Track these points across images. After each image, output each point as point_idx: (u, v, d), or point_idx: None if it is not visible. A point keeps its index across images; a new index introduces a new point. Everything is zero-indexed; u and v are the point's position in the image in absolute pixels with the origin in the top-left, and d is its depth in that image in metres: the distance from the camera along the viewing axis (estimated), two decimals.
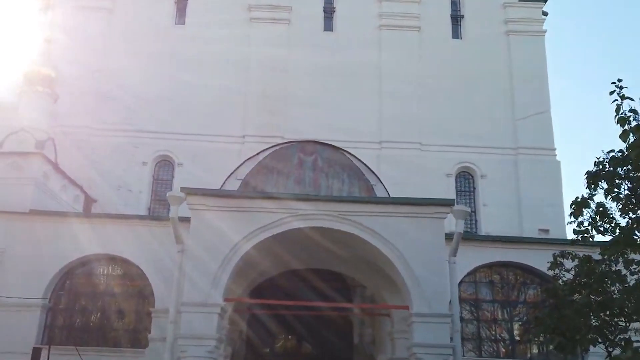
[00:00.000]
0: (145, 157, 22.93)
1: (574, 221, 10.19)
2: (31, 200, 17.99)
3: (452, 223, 14.52)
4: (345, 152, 19.00)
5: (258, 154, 18.47)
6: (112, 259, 17.26)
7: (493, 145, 23.95)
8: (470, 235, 20.44)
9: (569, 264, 11.44)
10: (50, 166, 19.45)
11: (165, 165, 23.32)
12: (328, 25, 25.28)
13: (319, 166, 18.47)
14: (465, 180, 24.07)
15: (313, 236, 13.95)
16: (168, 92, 23.63)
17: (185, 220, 14.07)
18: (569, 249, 11.60)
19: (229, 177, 18.14)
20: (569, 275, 11.20)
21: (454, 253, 14.35)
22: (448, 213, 13.68)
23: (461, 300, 16.08)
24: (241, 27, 24.60)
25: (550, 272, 11.75)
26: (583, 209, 9.98)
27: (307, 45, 24.57)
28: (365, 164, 19.03)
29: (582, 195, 9.97)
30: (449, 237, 14.31)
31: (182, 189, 13.58)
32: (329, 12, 25.47)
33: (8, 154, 18.91)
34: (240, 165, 18.49)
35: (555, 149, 24.17)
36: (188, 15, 24.92)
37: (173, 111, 23.44)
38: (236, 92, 23.76)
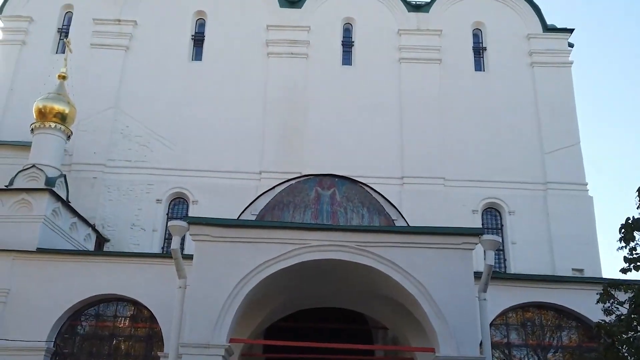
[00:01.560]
0: (160, 195, 22.33)
1: (625, 247, 9.02)
2: (39, 238, 17.40)
3: (480, 259, 13.44)
4: (364, 186, 18.17)
5: (274, 187, 17.73)
6: (122, 300, 16.47)
7: (521, 180, 22.92)
8: (500, 275, 19.25)
9: (621, 296, 10.16)
10: (59, 204, 18.89)
11: (180, 203, 22.67)
12: (347, 59, 24.82)
13: (337, 200, 17.65)
14: (492, 216, 22.97)
15: (329, 270, 12.93)
16: (184, 129, 23.22)
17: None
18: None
19: (243, 211, 17.38)
20: (622, 309, 9.90)
21: (484, 288, 13.15)
22: (476, 244, 12.56)
23: (492, 344, 14.77)
24: (259, 62, 24.25)
25: (600, 306, 10.44)
26: (635, 233, 8.80)
27: (325, 80, 24.09)
28: (385, 198, 18.14)
29: (633, 216, 8.83)
30: (477, 275, 13.18)
31: (185, 218, 12.75)
32: (347, 46, 25.05)
33: (17, 191, 18.49)
34: (256, 199, 17.75)
35: (586, 184, 23.05)
36: (205, 51, 24.66)
37: (189, 147, 22.97)
38: (253, 128, 23.26)
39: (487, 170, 22.91)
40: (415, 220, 19.28)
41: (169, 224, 12.87)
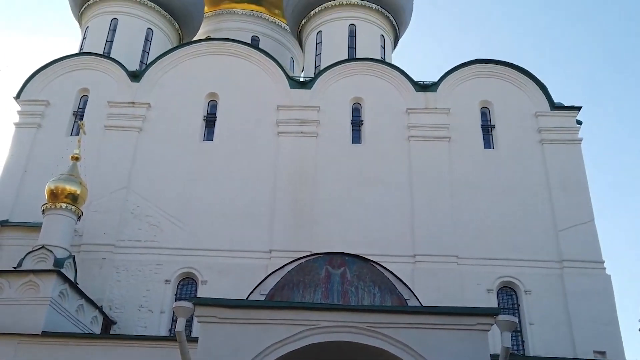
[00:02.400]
0: (169, 275, 22.04)
1: None
2: (44, 321, 17.15)
3: (497, 340, 12.92)
4: (376, 265, 17.78)
5: (283, 266, 17.36)
6: None
7: (536, 258, 22.48)
8: (518, 357, 18.48)
9: None
10: (67, 285, 18.70)
11: (189, 284, 22.32)
12: (356, 137, 25.04)
13: (347, 279, 17.22)
14: (508, 296, 22.37)
15: (338, 352, 12.42)
16: (195, 208, 23.23)
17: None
18: None
19: (252, 291, 16.93)
20: None
21: None
22: (492, 324, 12.09)
23: None
24: (269, 141, 24.55)
25: None
26: None
27: (335, 158, 24.25)
28: (397, 277, 17.69)
29: None
30: (494, 358, 12.60)
31: (191, 299, 12.43)
32: (357, 124, 25.35)
33: (25, 273, 18.42)
34: (265, 279, 17.34)
35: (603, 262, 22.53)
36: (216, 131, 25.05)
37: (199, 227, 22.88)
38: (263, 206, 23.24)
39: (501, 248, 22.54)
40: (428, 300, 18.77)
41: (174, 305, 12.55)
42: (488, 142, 25.07)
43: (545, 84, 25.82)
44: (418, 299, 17.45)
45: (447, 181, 23.80)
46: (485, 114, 25.71)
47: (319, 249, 20.39)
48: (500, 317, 12.15)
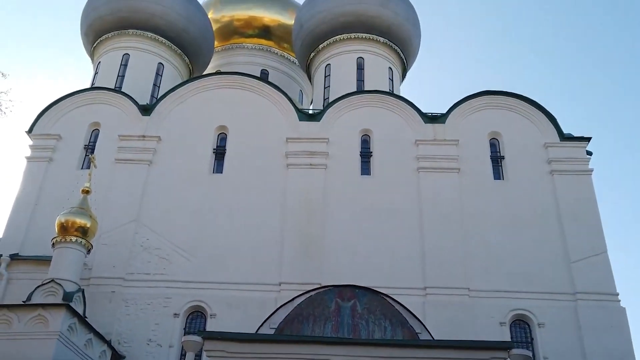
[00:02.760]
0: (177, 309, 21.89)
1: None
2: (53, 356, 17.04)
3: None
4: (386, 297, 17.68)
5: (293, 299, 17.34)
6: None
7: (549, 290, 22.21)
8: None
9: None
10: (76, 319, 18.60)
11: (197, 317, 22.12)
12: (365, 169, 25.05)
13: (358, 312, 17.15)
14: (521, 329, 22.01)
15: None
16: (204, 240, 23.21)
17: None
18: None
19: (261, 325, 16.89)
20: None
21: None
22: (505, 359, 11.88)
23: None
24: (278, 173, 24.60)
25: None
26: None
27: (344, 190, 24.24)
28: (408, 310, 17.57)
29: None
30: None
31: (199, 333, 12.31)
32: (366, 156, 25.38)
33: (34, 307, 18.36)
34: (275, 312, 17.30)
35: (617, 294, 22.22)
36: (226, 164, 25.14)
37: (208, 259, 22.82)
38: (273, 239, 23.17)
39: (514, 280, 22.29)
40: (440, 333, 18.58)
41: (183, 339, 12.47)
42: (498, 173, 25.01)
43: (554, 114, 25.84)
44: (430, 333, 17.27)
45: (457, 212, 23.67)
46: (494, 145, 25.70)
47: (329, 282, 20.33)
48: (514, 351, 11.98)
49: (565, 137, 25.33)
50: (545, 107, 26.00)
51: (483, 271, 22.53)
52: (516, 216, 23.68)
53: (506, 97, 26.42)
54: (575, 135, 25.44)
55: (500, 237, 23.22)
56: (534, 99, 26.24)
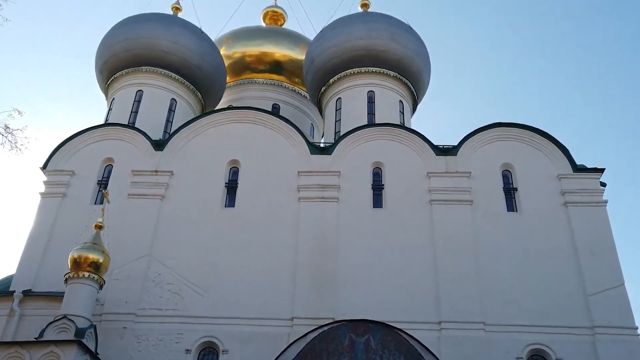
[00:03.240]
0: (189, 345, 21.67)
1: None
2: None
3: None
4: (400, 332, 17.46)
5: (306, 334, 17.17)
6: None
7: (566, 325, 21.81)
8: None
9: None
10: (88, 356, 18.58)
11: (209, 353, 21.86)
12: (377, 202, 24.94)
13: (372, 348, 16.97)
14: None
15: None
16: (216, 275, 23.11)
17: None
18: None
19: None
20: None
21: None
22: None
23: None
24: (290, 206, 24.57)
25: None
26: None
27: (357, 223, 24.13)
28: (423, 345, 17.33)
29: None
30: None
31: None
32: (377, 189, 25.30)
33: (46, 344, 18.41)
34: (287, 347, 17.15)
35: (637, 328, 21.78)
36: (238, 197, 25.16)
37: (220, 294, 22.69)
38: (285, 273, 23.02)
39: (530, 314, 21.93)
40: None
41: None
42: (511, 205, 24.83)
43: (566, 146, 25.76)
44: None
45: (471, 245, 23.47)
46: (507, 176, 25.58)
47: (342, 316, 20.16)
48: None
49: (578, 169, 25.20)
50: (557, 139, 25.93)
51: (499, 305, 22.20)
52: (531, 248, 23.43)
53: (518, 129, 26.38)
54: (588, 167, 25.31)
55: (515, 270, 22.94)
56: (545, 131, 26.20)
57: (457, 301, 22.17)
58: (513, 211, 24.64)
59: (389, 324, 17.79)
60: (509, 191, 25.19)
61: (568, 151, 25.61)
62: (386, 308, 21.70)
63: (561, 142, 25.84)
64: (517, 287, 22.55)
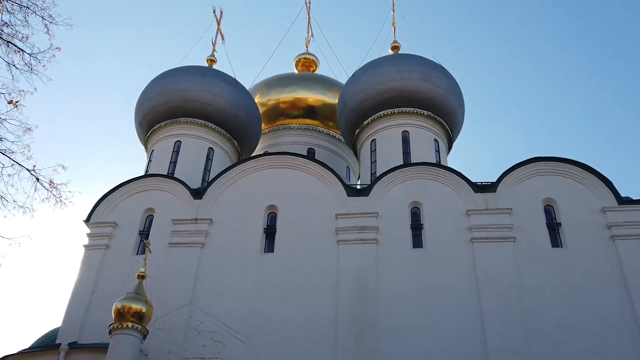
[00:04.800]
0: None
1: None
2: None
3: None
4: None
5: None
6: None
7: None
8: None
9: None
10: None
11: None
12: (417, 242, 24.63)
13: None
14: None
15: None
16: (257, 322, 22.94)
17: None
18: None
19: None
20: None
21: None
22: None
23: None
24: (329, 250, 24.43)
25: None
26: None
27: (396, 264, 23.81)
28: None
29: None
30: None
31: None
32: (417, 229, 25.02)
33: None
34: None
35: None
36: (277, 243, 25.18)
37: (262, 341, 22.46)
38: (326, 318, 22.73)
39: (581, 354, 21.06)
40: None
41: None
42: (555, 241, 24.20)
43: (609, 178, 25.17)
44: None
45: (516, 283, 22.83)
46: (549, 212, 25.01)
47: None
48: None
49: (623, 201, 24.52)
50: (599, 171, 25.37)
51: (547, 345, 21.41)
52: (578, 285, 22.69)
53: (557, 163, 25.94)
54: (633, 198, 24.61)
55: (563, 308, 22.18)
56: (586, 164, 25.69)
57: (504, 344, 21.44)
58: (558, 247, 24.00)
59: None
60: (553, 226, 24.61)
61: (611, 183, 25.00)
62: (430, 354, 21.22)
63: (603, 174, 25.26)
64: (566, 325, 21.77)
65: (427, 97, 31.39)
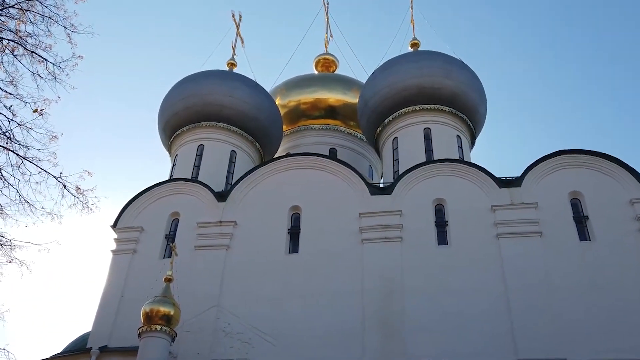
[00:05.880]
0: None
1: None
2: None
3: None
4: None
5: None
6: None
7: None
8: None
9: None
10: None
11: None
12: (442, 239, 24.49)
13: None
14: None
15: None
16: (284, 322, 23.02)
17: None
18: None
19: None
20: None
21: None
22: None
23: None
24: (353, 249, 24.41)
25: None
26: None
27: (422, 262, 23.69)
28: None
29: None
30: None
31: None
32: (441, 226, 24.88)
33: None
34: None
35: None
36: (301, 243, 25.25)
37: (290, 342, 22.50)
38: (353, 318, 22.70)
39: (613, 348, 20.70)
40: None
41: None
42: (583, 234, 23.87)
43: (637, 169, 24.72)
44: None
45: (544, 278, 22.57)
46: (576, 205, 24.67)
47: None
48: None
49: None
50: (626, 162, 24.97)
51: (579, 339, 21.10)
52: (608, 279, 22.32)
53: (583, 155, 25.57)
54: None
55: (593, 302, 21.84)
56: (612, 155, 25.29)
57: (534, 339, 21.24)
58: (586, 240, 23.67)
59: None
60: (580, 220, 24.27)
61: (639, 174, 24.56)
62: (459, 351, 21.04)
63: (630, 165, 24.86)
64: (596, 319, 21.46)
65: (448, 93, 31.18)
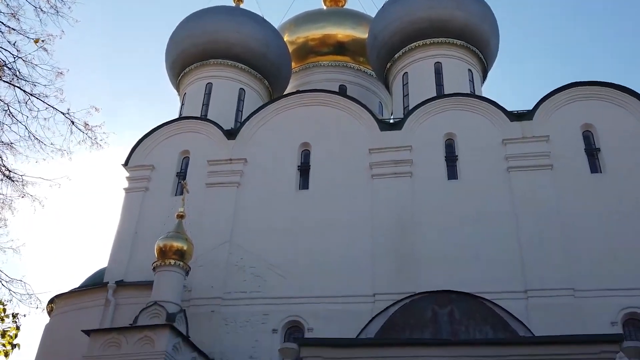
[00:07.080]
0: (275, 324, 22.16)
1: None
2: None
3: None
4: (486, 301, 17.10)
5: (387, 308, 17.09)
6: None
7: None
8: None
9: None
10: (180, 339, 19.28)
11: (295, 332, 22.22)
12: (452, 173, 24.48)
13: (456, 319, 16.64)
14: (636, 329, 20.54)
15: None
16: (296, 256, 23.42)
17: None
18: None
19: (358, 335, 16.71)
20: None
21: None
22: (617, 352, 11.13)
23: None
24: (364, 185, 24.50)
25: None
26: None
27: (432, 196, 23.79)
28: (510, 313, 16.86)
29: None
30: None
31: (296, 340, 12.36)
32: (451, 160, 24.82)
33: (140, 329, 19.24)
34: (370, 322, 17.14)
35: None
36: (311, 179, 25.37)
37: (301, 275, 22.98)
38: (364, 250, 23.02)
39: (623, 277, 20.94)
40: None
41: (280, 347, 12.54)
42: (595, 167, 23.76)
43: None
44: (534, 335, 16.48)
45: (555, 210, 22.63)
46: (588, 137, 24.46)
47: (424, 290, 19.86)
48: (627, 343, 11.17)
49: None
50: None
51: (588, 269, 21.34)
52: (618, 209, 22.35)
53: (596, 87, 25.15)
54: None
55: (604, 232, 21.96)
56: (625, 86, 24.85)
57: (544, 268, 21.49)
58: (597, 172, 23.57)
59: (472, 294, 17.41)
60: (592, 152, 24.11)
61: None
62: (469, 280, 21.23)
63: None
64: (606, 250, 21.60)
65: (459, 26, 30.42)
